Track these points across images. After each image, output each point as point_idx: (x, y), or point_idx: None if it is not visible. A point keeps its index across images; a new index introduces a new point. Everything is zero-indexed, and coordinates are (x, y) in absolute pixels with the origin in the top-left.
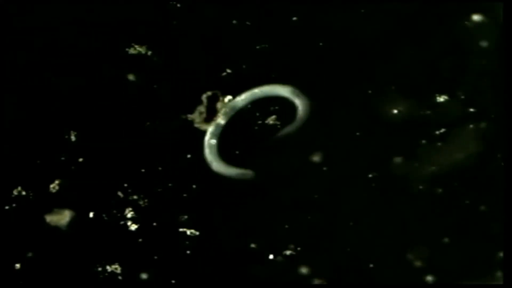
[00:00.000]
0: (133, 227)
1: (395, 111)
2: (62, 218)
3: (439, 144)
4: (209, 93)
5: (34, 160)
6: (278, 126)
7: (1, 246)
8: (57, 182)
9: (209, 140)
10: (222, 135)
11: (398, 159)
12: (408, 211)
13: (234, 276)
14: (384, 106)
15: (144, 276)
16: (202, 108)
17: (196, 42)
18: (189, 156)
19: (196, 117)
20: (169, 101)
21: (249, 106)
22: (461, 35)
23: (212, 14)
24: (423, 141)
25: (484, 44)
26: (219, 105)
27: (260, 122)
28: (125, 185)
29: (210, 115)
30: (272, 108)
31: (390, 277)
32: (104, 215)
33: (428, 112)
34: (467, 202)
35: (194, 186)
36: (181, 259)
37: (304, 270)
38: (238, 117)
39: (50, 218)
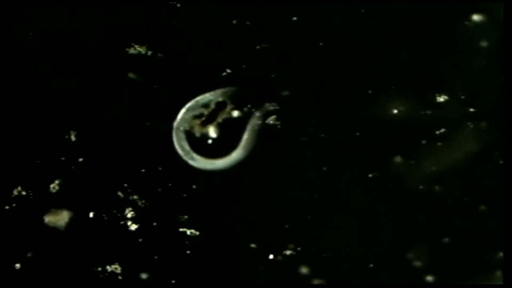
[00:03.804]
0: (133, 227)
1: (395, 111)
2: (60, 218)
3: (439, 144)
4: (220, 99)
5: (34, 160)
6: (278, 126)
7: (1, 246)
8: (57, 182)
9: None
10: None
11: (398, 159)
12: (408, 211)
13: (234, 276)
14: (384, 106)
15: (144, 276)
16: (205, 111)
17: (196, 42)
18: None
19: (195, 116)
20: (169, 101)
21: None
22: (461, 35)
23: (212, 14)
24: (423, 141)
25: (484, 44)
26: (221, 114)
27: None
28: (125, 185)
29: (207, 121)
30: (272, 108)
31: (390, 277)
32: (104, 215)
33: (428, 112)
34: (467, 202)
35: (194, 186)
36: (181, 259)
37: (304, 270)
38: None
39: (48, 219)
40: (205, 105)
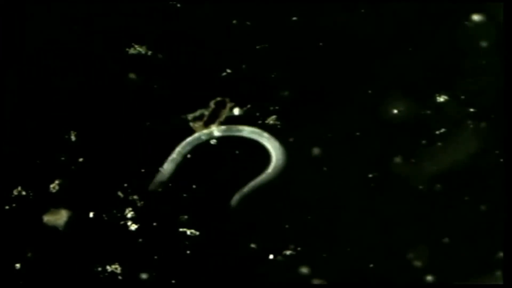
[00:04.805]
0: (133, 227)
1: (395, 111)
2: (60, 218)
3: (439, 144)
4: (218, 98)
5: (34, 160)
6: (278, 126)
7: (1, 246)
8: (57, 182)
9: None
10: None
11: (398, 159)
12: (408, 211)
13: (234, 276)
14: (384, 106)
15: (144, 276)
16: (205, 111)
17: (196, 42)
18: (188, 156)
19: (196, 117)
20: (169, 101)
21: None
22: (461, 35)
23: (212, 14)
24: (423, 141)
25: (484, 44)
26: (222, 113)
27: (260, 122)
28: (125, 185)
29: (210, 121)
30: (272, 108)
31: (390, 277)
32: (104, 215)
33: (428, 112)
34: (467, 202)
35: (194, 186)
36: (181, 259)
37: (304, 270)
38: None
39: (48, 219)
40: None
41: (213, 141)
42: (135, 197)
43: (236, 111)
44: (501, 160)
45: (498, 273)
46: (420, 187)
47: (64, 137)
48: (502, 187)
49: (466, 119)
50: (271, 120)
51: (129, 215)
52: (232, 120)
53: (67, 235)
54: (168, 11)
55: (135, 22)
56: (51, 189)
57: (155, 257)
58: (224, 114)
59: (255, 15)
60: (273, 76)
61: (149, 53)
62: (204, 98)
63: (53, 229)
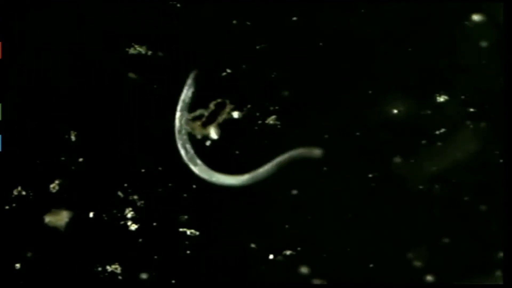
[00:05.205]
0: (133, 227)
1: (395, 111)
2: (60, 218)
3: (439, 144)
4: (219, 100)
5: (34, 160)
6: (278, 126)
7: (1, 246)
8: (57, 182)
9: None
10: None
11: (398, 159)
12: (408, 211)
13: (234, 276)
14: (384, 106)
15: (144, 276)
16: (205, 112)
17: (196, 42)
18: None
19: (195, 117)
20: (169, 101)
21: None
22: (461, 35)
23: (212, 14)
24: (423, 141)
25: (484, 44)
26: (221, 114)
27: (260, 122)
28: (125, 185)
29: (208, 122)
30: (272, 108)
31: (390, 277)
32: (104, 215)
33: (428, 112)
34: (467, 202)
35: (194, 186)
36: (181, 259)
37: (304, 270)
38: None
39: (49, 219)
40: (191, 100)
41: (208, 142)
42: (135, 197)
43: (236, 114)
44: (501, 160)
45: (498, 273)
46: (420, 187)
47: (64, 137)
48: (502, 187)
49: (466, 119)
50: (271, 120)
51: (129, 215)
52: (231, 122)
53: (68, 235)
54: (168, 11)
55: (135, 22)
56: (51, 189)
57: (155, 257)
58: (223, 116)
59: (255, 15)
60: (273, 76)
61: (149, 53)
62: (204, 98)
63: (54, 229)
